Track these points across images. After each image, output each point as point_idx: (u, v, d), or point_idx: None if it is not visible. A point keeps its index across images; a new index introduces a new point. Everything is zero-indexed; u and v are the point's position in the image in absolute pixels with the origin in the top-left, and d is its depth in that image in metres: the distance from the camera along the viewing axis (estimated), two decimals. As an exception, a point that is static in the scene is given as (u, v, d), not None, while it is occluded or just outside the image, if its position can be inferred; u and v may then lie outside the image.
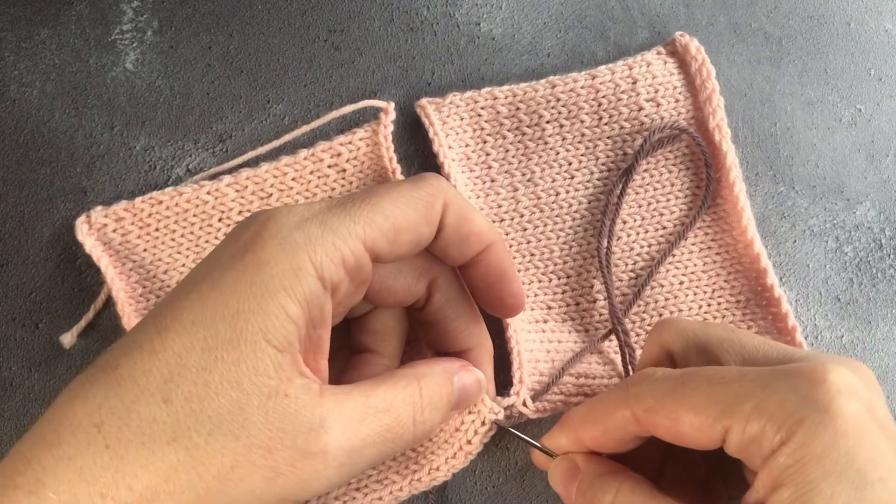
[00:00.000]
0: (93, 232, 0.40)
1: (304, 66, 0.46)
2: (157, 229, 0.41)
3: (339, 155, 0.42)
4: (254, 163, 0.43)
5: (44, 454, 0.26)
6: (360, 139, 0.42)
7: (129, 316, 0.40)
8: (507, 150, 0.43)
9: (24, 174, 0.43)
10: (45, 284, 0.42)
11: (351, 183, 0.42)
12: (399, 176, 0.41)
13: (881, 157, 0.45)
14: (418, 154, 0.44)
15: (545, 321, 0.41)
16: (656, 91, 0.43)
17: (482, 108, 0.43)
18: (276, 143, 0.43)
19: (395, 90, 0.45)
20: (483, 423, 0.35)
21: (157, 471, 0.25)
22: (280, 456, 0.26)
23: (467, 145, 0.43)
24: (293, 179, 0.42)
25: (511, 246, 0.42)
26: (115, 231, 0.40)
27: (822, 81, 0.47)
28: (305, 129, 0.43)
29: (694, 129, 0.43)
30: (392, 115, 0.42)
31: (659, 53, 0.44)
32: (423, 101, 0.43)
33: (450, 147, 0.42)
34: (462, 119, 0.43)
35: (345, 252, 0.28)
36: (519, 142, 0.43)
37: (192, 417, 0.25)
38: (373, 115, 0.44)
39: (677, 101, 0.43)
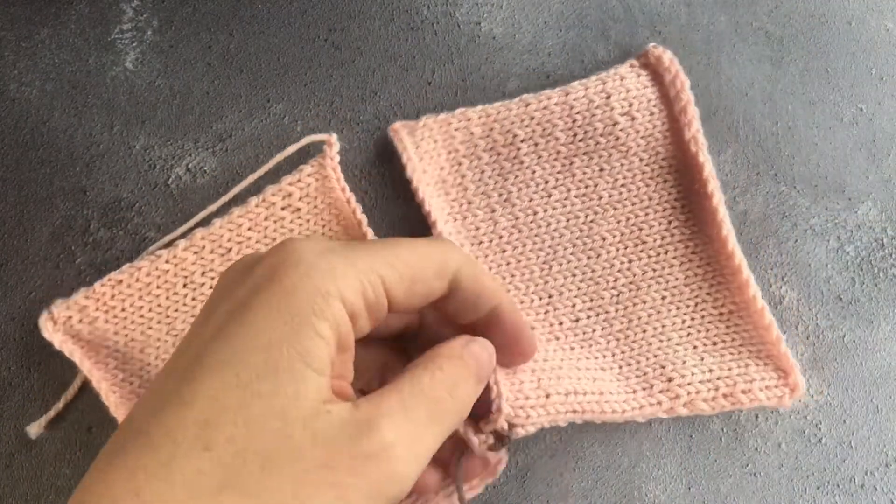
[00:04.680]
0: (59, 327, 0.39)
1: (304, 66, 0.45)
2: (122, 310, 0.40)
3: (290, 195, 0.41)
4: (206, 222, 0.42)
5: None
6: (309, 175, 0.41)
7: (116, 404, 0.39)
8: (483, 171, 0.42)
9: (23, 173, 0.43)
10: (45, 284, 0.42)
11: (308, 221, 0.41)
12: (355, 205, 0.41)
13: (882, 157, 0.45)
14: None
15: None
16: (630, 105, 0.42)
17: (456, 130, 0.42)
18: (225, 198, 0.42)
19: (395, 90, 0.45)
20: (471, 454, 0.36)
21: None
22: (340, 468, 0.25)
23: (442, 168, 0.42)
24: (249, 230, 0.41)
25: (490, 268, 0.42)
26: (80, 321, 0.39)
27: (824, 81, 0.47)
28: (252, 178, 0.43)
29: (670, 142, 0.42)
30: (336, 146, 0.42)
31: (632, 66, 0.43)
32: (397, 124, 0.42)
33: (424, 171, 0.42)
34: (436, 141, 0.42)
35: (365, 285, 0.28)
36: (494, 162, 0.42)
37: (239, 458, 0.24)
38: (318, 149, 0.43)
39: (652, 113, 0.42)
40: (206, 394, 0.24)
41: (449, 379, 0.29)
